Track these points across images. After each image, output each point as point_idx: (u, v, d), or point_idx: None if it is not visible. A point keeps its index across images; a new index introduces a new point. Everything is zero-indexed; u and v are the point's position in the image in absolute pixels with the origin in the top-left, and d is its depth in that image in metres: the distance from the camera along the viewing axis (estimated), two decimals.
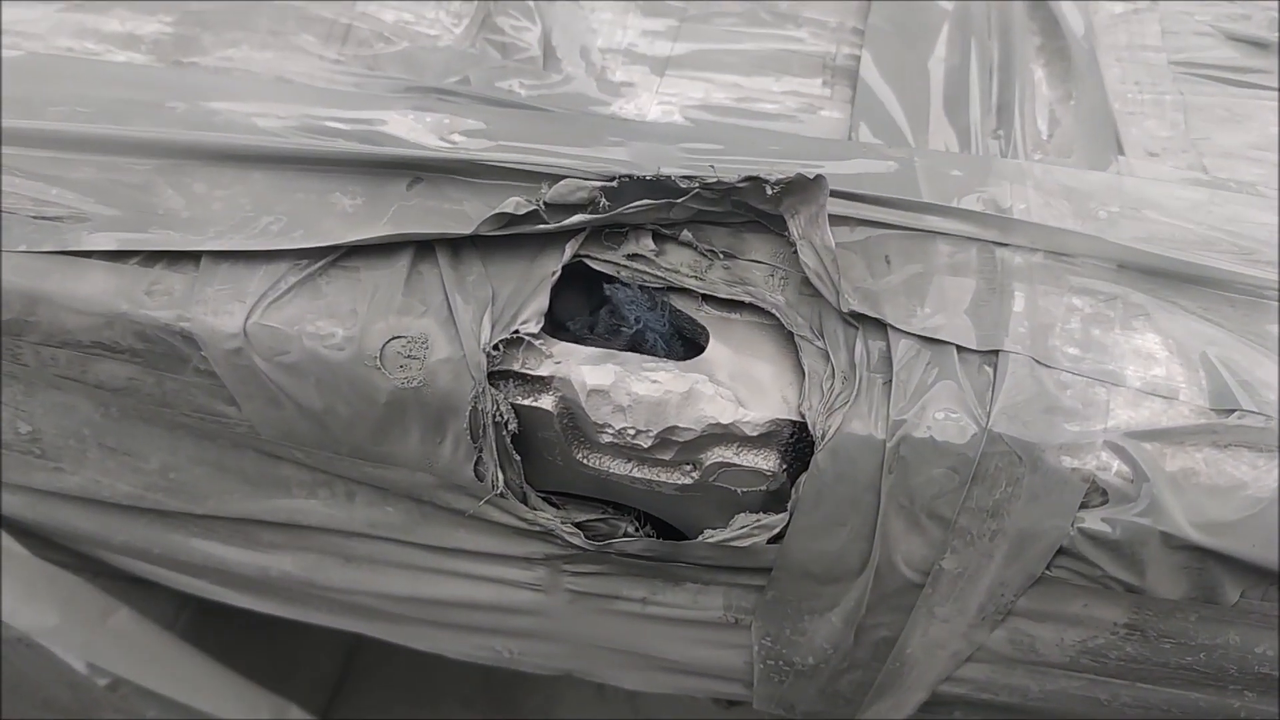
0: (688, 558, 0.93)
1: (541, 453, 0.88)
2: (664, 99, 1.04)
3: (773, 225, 0.87)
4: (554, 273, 0.84)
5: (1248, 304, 0.84)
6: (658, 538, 0.94)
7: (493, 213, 0.84)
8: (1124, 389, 0.79)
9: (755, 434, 0.81)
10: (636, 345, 0.86)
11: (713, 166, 0.86)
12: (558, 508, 0.93)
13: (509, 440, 0.84)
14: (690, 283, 0.86)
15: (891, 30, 1.10)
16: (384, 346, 0.82)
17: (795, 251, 0.84)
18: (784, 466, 0.83)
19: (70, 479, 1.06)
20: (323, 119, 0.95)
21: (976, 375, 0.79)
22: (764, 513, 0.87)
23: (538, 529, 0.92)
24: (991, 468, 0.77)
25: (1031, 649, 0.93)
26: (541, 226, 0.85)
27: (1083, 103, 1.03)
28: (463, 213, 0.87)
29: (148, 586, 1.25)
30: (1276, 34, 1.10)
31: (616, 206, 0.84)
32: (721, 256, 0.87)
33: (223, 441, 0.97)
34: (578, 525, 0.92)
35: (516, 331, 0.82)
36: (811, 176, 0.79)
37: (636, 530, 0.95)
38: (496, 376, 0.83)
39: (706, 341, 0.84)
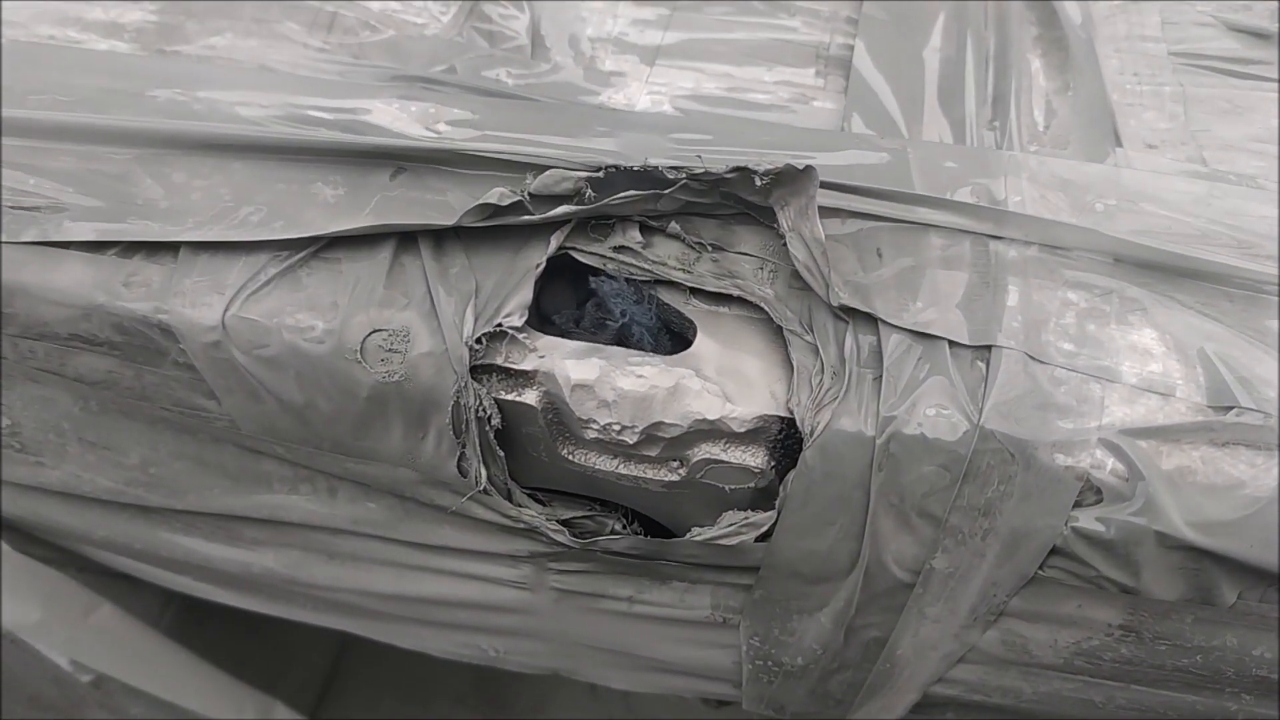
0: (675, 556, 0.92)
1: (526, 448, 0.87)
2: (654, 89, 1.02)
3: (762, 217, 0.86)
4: (539, 265, 0.83)
5: (1247, 299, 0.83)
6: (645, 535, 0.93)
7: (476, 203, 0.82)
8: (1119, 385, 0.78)
9: (743, 430, 0.80)
10: (623, 339, 0.85)
11: (700, 156, 0.85)
12: (543, 504, 0.92)
13: (492, 436, 0.83)
14: (678, 275, 0.85)
15: (886, 20, 1.09)
16: (365, 340, 0.81)
17: (785, 244, 0.82)
18: (772, 463, 0.82)
19: (51, 473, 1.05)
20: (306, 108, 0.93)
21: (969, 371, 0.78)
22: (752, 510, 0.86)
23: (522, 526, 0.91)
24: (984, 465, 0.76)
25: (1024, 650, 0.92)
26: (526, 218, 0.83)
27: (1080, 94, 1.01)
28: (446, 203, 0.85)
29: (133, 583, 1.24)
30: (1278, 25, 1.08)
31: (603, 197, 0.83)
32: (710, 249, 0.86)
33: (203, 436, 0.96)
34: (563, 522, 0.91)
35: (500, 325, 0.80)
36: (801, 167, 0.78)
37: (623, 528, 0.94)
38: (480, 371, 0.82)
39: (694, 335, 0.83)
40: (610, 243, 0.85)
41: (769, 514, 0.84)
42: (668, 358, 0.81)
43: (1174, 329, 0.81)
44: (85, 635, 1.17)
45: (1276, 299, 0.83)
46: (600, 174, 0.82)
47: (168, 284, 0.84)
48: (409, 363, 0.80)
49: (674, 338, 0.87)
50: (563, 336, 0.83)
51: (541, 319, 0.88)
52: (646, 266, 0.85)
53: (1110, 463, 0.75)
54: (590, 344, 0.82)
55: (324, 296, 0.82)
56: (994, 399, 0.76)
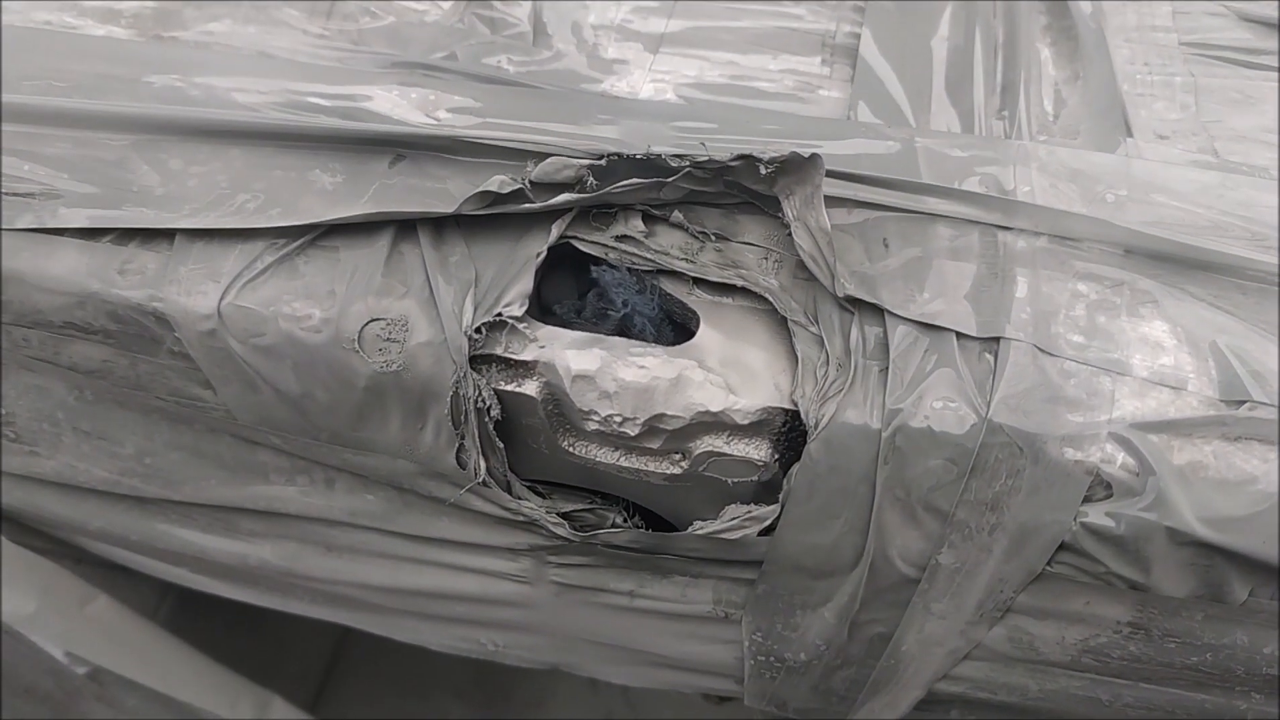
0: (676, 550, 0.91)
1: (526, 440, 0.86)
2: (657, 77, 1.01)
3: (767, 206, 0.85)
4: (539, 254, 0.82)
5: (1260, 291, 0.82)
6: (646, 529, 0.91)
7: (476, 191, 0.81)
8: (1130, 378, 0.76)
9: (746, 422, 0.79)
10: (624, 330, 0.85)
11: (704, 144, 0.84)
12: (543, 497, 0.91)
13: (492, 427, 0.82)
14: (681, 265, 0.84)
15: (893, 8, 1.07)
16: (363, 329, 0.80)
17: (790, 234, 0.81)
18: (776, 456, 0.81)
19: (46, 463, 1.04)
20: (305, 94, 0.92)
21: (976, 363, 0.77)
22: (755, 504, 0.84)
23: (522, 519, 0.90)
24: (991, 459, 0.75)
25: (1031, 647, 0.91)
26: (527, 206, 0.82)
27: (1090, 83, 1.00)
28: (446, 191, 0.84)
29: (129, 574, 1.24)
30: None
31: (605, 186, 0.82)
32: (713, 238, 0.85)
33: (199, 426, 0.95)
34: (563, 515, 0.90)
35: (500, 314, 0.79)
36: (807, 155, 0.77)
37: (624, 521, 0.92)
38: (479, 361, 0.81)
39: (697, 326, 0.82)
40: (612, 232, 0.84)
41: (772, 508, 0.83)
42: (670, 349, 0.80)
43: (1186, 321, 0.80)
44: (81, 627, 1.15)
45: None
46: (602, 162, 0.81)
47: (163, 271, 0.83)
48: (407, 352, 0.79)
49: (676, 329, 0.86)
50: (564, 327, 0.82)
51: (542, 309, 0.87)
52: (649, 256, 0.84)
53: (1120, 457, 0.74)
54: (592, 334, 0.81)
55: (321, 285, 0.81)
56: (1002, 392, 0.75)
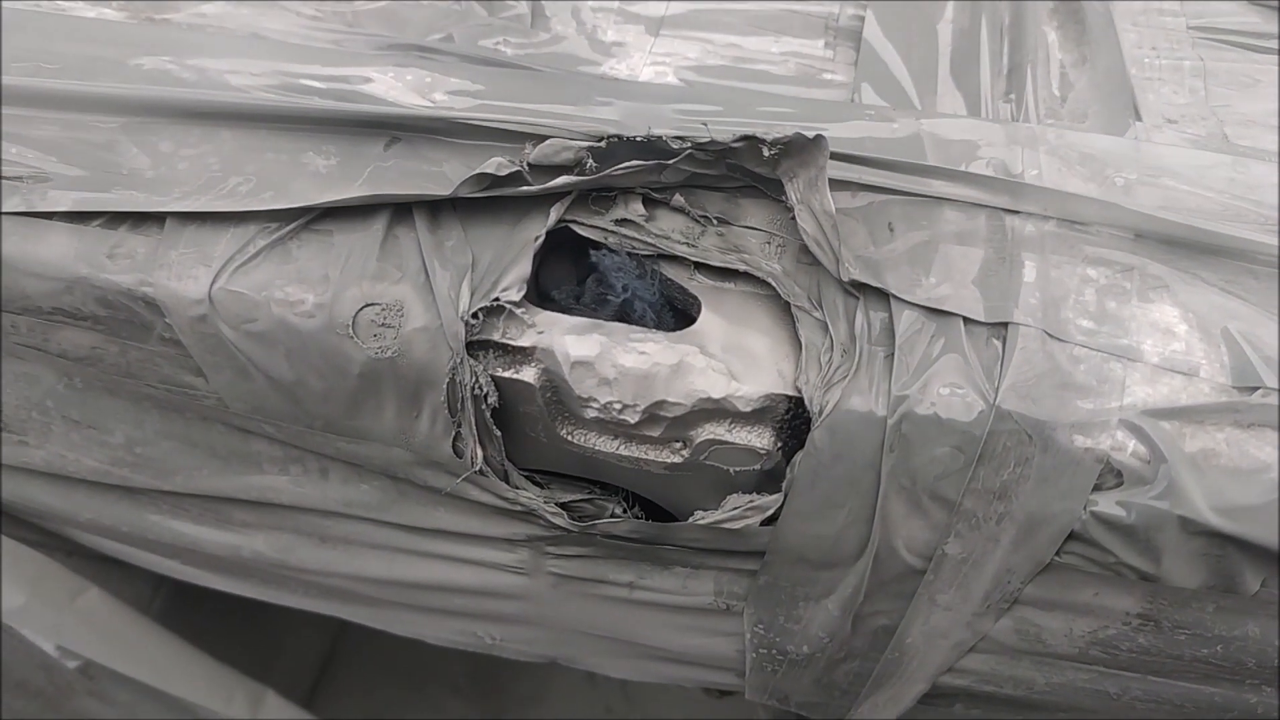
0: (677, 540, 0.90)
1: (524, 428, 0.85)
2: (657, 59, 1.00)
3: (770, 190, 0.84)
4: (538, 238, 0.81)
5: (1271, 276, 0.81)
6: (646, 519, 0.91)
7: (473, 173, 0.80)
8: (1141, 365, 0.75)
9: (749, 410, 0.78)
10: (624, 315, 0.84)
11: (706, 124, 0.82)
12: (541, 486, 0.91)
13: (489, 414, 0.81)
14: (682, 250, 0.83)
15: None
16: (357, 314, 0.79)
17: (793, 217, 0.80)
18: (779, 444, 0.80)
19: (35, 453, 1.03)
20: (299, 76, 0.91)
21: (984, 349, 0.76)
22: (757, 493, 0.84)
23: (519, 509, 0.89)
24: (999, 447, 0.74)
25: (1038, 639, 0.90)
26: (525, 189, 0.81)
27: (1098, 67, 0.99)
28: (442, 174, 0.83)
29: (122, 566, 1.22)
30: None
31: (604, 168, 0.81)
32: (715, 222, 0.84)
33: (190, 415, 0.94)
34: (562, 505, 0.90)
35: (497, 299, 0.78)
36: (811, 137, 0.76)
37: (624, 511, 0.92)
38: (476, 347, 0.80)
39: (698, 312, 0.81)
40: (612, 215, 0.83)
41: (775, 497, 0.82)
42: (671, 334, 0.79)
43: (1197, 307, 0.79)
44: (71, 620, 1.14)
45: None
46: (602, 144, 0.80)
47: (153, 256, 0.82)
48: (403, 338, 0.78)
49: (677, 314, 0.85)
50: (562, 312, 0.81)
51: (540, 294, 0.86)
52: (649, 240, 0.82)
53: (1131, 444, 0.73)
54: (591, 320, 0.80)
55: (315, 269, 0.80)
56: (1010, 378, 0.74)
